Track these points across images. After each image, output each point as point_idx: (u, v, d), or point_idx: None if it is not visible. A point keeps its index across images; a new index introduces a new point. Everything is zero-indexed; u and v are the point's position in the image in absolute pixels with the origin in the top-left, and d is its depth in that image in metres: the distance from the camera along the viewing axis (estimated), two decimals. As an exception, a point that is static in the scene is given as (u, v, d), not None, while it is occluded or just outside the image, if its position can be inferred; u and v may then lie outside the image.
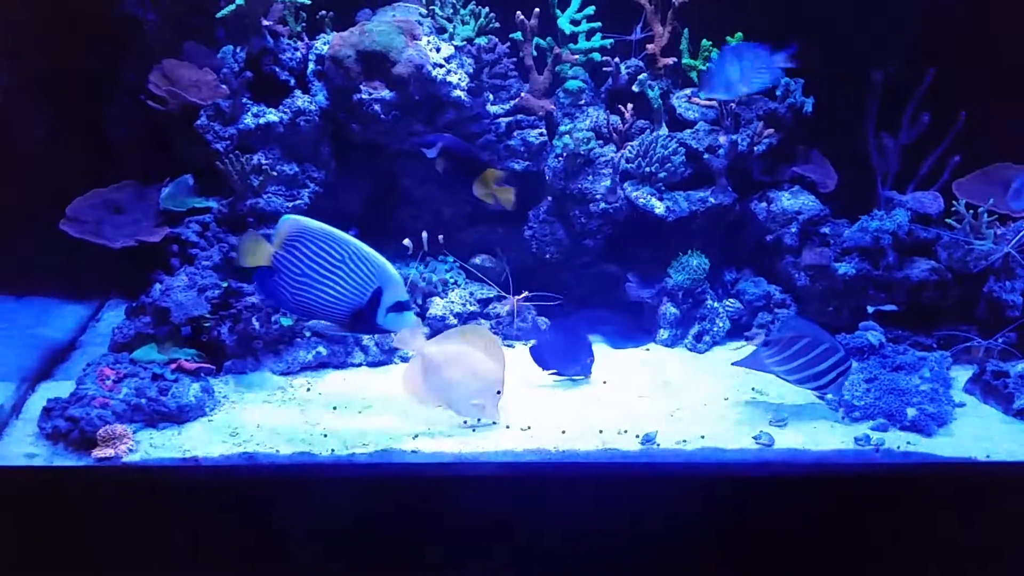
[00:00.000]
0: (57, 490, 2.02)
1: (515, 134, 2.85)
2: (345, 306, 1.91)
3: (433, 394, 2.15)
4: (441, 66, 2.69)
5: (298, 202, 2.70)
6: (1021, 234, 2.56)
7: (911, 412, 2.22)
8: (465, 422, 2.19)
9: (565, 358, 2.49)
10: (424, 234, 2.66)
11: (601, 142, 2.81)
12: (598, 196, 2.74)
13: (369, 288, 1.90)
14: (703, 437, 2.16)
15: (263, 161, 2.64)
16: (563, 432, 2.17)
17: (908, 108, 2.83)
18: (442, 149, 2.42)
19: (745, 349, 2.39)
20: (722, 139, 2.79)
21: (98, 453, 2.02)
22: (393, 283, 1.92)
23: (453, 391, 2.14)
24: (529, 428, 2.19)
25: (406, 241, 2.65)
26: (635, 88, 2.90)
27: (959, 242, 2.59)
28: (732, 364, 2.38)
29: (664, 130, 2.87)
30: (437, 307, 2.68)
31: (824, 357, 2.21)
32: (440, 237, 2.69)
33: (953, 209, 2.62)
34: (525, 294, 2.71)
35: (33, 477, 2.03)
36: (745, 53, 2.44)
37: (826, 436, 2.19)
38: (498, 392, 2.16)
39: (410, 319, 1.98)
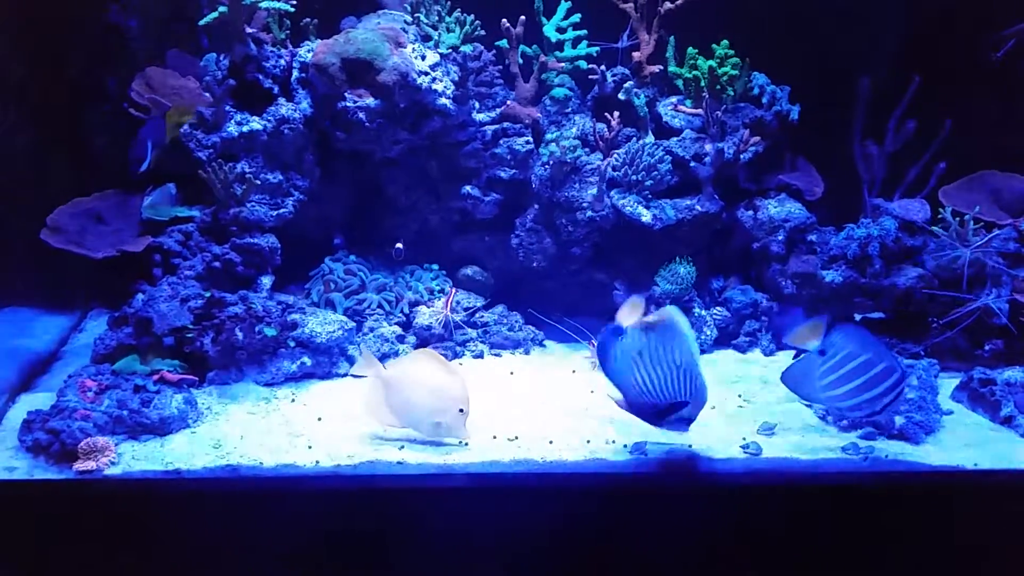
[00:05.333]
0: (38, 504, 1.99)
1: (501, 142, 2.83)
2: (654, 402, 2.04)
3: (396, 416, 2.15)
4: (426, 74, 2.67)
5: (282, 211, 2.67)
6: (990, 237, 2.55)
7: (899, 420, 2.21)
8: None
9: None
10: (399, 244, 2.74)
11: (588, 150, 2.80)
12: (585, 204, 2.73)
13: (681, 397, 2.02)
14: (691, 446, 2.15)
15: (246, 170, 2.62)
16: (550, 442, 2.16)
17: (894, 115, 2.83)
18: (151, 149, 2.42)
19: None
20: (708, 147, 2.79)
21: (79, 466, 1.99)
22: (699, 403, 2.04)
23: (414, 411, 2.13)
24: (516, 438, 2.17)
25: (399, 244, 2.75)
26: (621, 96, 2.90)
27: (945, 250, 2.59)
28: (781, 379, 2.20)
29: (650, 138, 2.87)
30: (423, 316, 2.67)
31: (882, 378, 2.04)
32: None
33: (940, 216, 2.62)
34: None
35: (13, 491, 2.00)
36: None
37: (814, 445, 2.18)
38: (461, 410, 2.13)
39: (684, 429, 2.08)
